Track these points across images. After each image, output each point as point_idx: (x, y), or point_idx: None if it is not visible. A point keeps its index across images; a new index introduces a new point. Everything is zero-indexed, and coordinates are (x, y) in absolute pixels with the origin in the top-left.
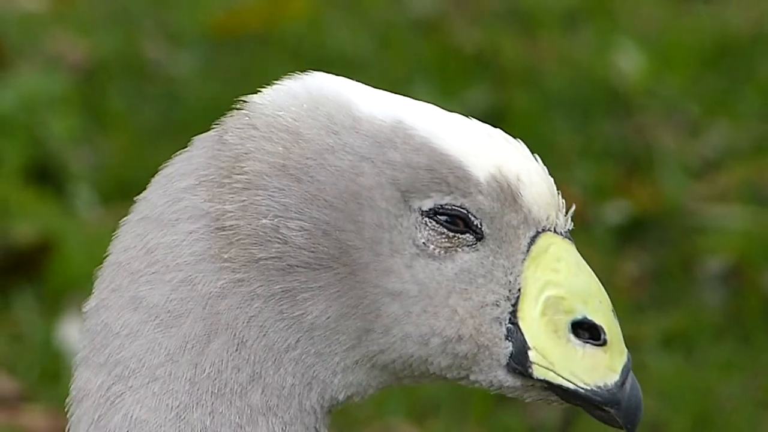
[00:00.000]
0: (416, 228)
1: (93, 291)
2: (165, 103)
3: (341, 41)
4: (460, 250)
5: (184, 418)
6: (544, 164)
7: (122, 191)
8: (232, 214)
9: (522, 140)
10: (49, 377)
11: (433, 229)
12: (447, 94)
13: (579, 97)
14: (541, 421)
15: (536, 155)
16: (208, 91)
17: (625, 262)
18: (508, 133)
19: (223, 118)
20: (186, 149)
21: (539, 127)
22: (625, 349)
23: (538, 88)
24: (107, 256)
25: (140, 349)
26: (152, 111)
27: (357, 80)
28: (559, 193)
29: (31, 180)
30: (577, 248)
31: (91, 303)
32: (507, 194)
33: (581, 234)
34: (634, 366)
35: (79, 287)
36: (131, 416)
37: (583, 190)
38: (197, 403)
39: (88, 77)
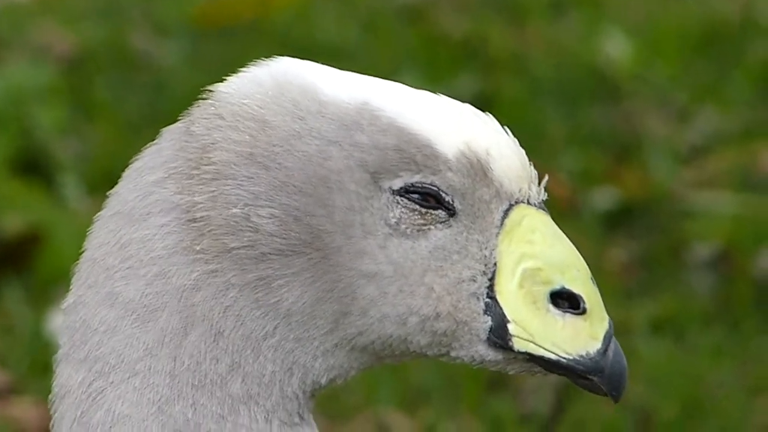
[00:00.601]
0: (388, 208)
1: (71, 288)
2: (152, 93)
3: (329, 30)
4: (433, 227)
5: (167, 411)
6: (532, 151)
7: (110, 181)
8: (202, 205)
9: (510, 127)
10: (39, 369)
11: (405, 207)
12: (434, 82)
13: (567, 84)
14: (532, 409)
15: (510, 132)
16: (194, 81)
17: (614, 249)
18: (496, 121)
19: (190, 109)
20: (155, 142)
21: (527, 115)
22: (606, 317)
23: (526, 75)
24: (83, 252)
25: (119, 344)
26: (139, 101)
27: (345, 69)
28: (531, 165)
29: (19, 171)
30: (567, 235)
31: (69, 300)
32: (477, 169)
33: (570, 220)
34: (624, 351)
35: (68, 278)
36: (113, 412)
37: (571, 177)
38: (178, 396)
39: (75, 68)
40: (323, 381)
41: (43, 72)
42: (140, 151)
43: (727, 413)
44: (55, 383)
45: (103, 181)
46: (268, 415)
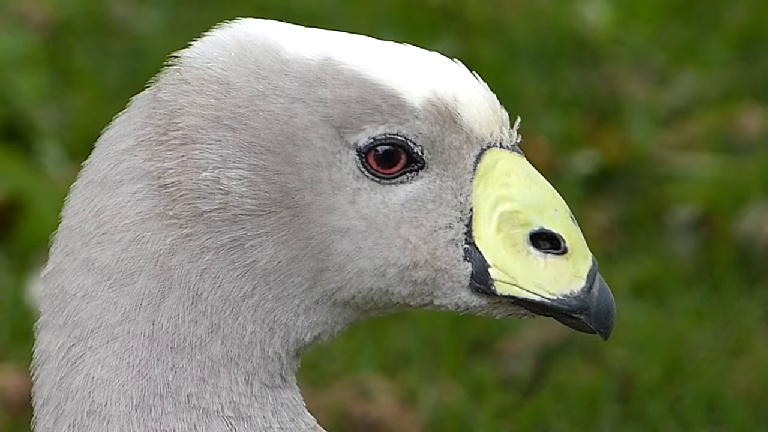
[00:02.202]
0: (355, 163)
1: (49, 256)
2: (131, 60)
3: None
4: (403, 180)
5: (146, 375)
6: (512, 115)
7: (90, 148)
8: (172, 170)
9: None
10: (20, 336)
11: (368, 171)
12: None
13: (545, 48)
14: (513, 373)
15: (477, 75)
16: (174, 47)
17: (595, 212)
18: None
19: (156, 75)
20: (125, 110)
21: (506, 78)
22: (590, 254)
23: (504, 39)
24: (60, 221)
25: (96, 309)
26: (119, 68)
27: None
28: (502, 108)
29: None
30: None
31: (47, 268)
32: (445, 116)
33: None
34: None
35: (49, 245)
36: (92, 377)
37: (551, 141)
38: (158, 360)
39: (54, 36)
40: (307, 339)
41: (22, 40)
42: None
43: (708, 375)
44: (35, 350)
45: (83, 148)
46: (248, 376)
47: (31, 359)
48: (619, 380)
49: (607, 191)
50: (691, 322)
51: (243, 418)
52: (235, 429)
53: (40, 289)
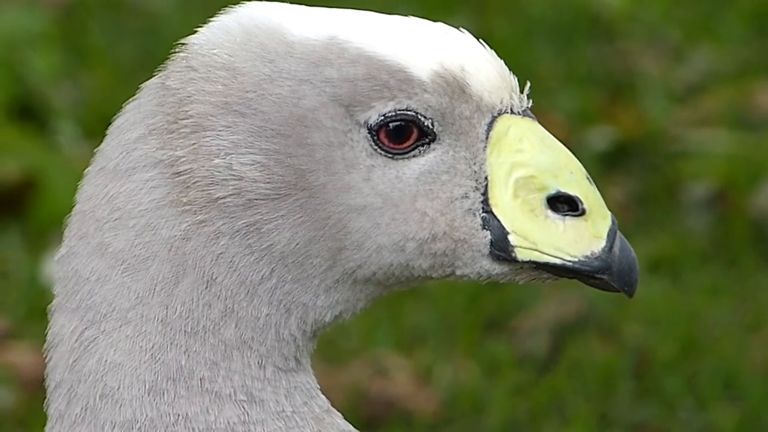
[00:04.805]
0: (367, 141)
1: (63, 239)
2: (146, 38)
3: None
4: (416, 154)
5: (159, 359)
6: (527, 91)
7: (105, 127)
8: (184, 158)
9: None
10: (36, 314)
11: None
12: None
13: (561, 24)
14: (529, 351)
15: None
16: (188, 25)
17: (611, 188)
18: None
19: (165, 63)
20: (135, 97)
21: (521, 55)
22: (608, 213)
23: (520, 15)
24: (74, 203)
25: (110, 293)
26: (133, 46)
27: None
28: (510, 74)
29: (14, 118)
30: None
31: (61, 251)
32: (454, 87)
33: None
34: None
35: (64, 224)
36: (105, 360)
37: (566, 117)
38: (171, 343)
39: (68, 14)
40: (327, 318)
41: (37, 18)
42: (134, 95)
43: (724, 351)
44: (48, 332)
45: (97, 126)
46: (261, 360)
47: (46, 338)
48: (635, 357)
49: (622, 167)
50: (707, 298)
51: (256, 402)
52: (248, 413)
53: (54, 271)
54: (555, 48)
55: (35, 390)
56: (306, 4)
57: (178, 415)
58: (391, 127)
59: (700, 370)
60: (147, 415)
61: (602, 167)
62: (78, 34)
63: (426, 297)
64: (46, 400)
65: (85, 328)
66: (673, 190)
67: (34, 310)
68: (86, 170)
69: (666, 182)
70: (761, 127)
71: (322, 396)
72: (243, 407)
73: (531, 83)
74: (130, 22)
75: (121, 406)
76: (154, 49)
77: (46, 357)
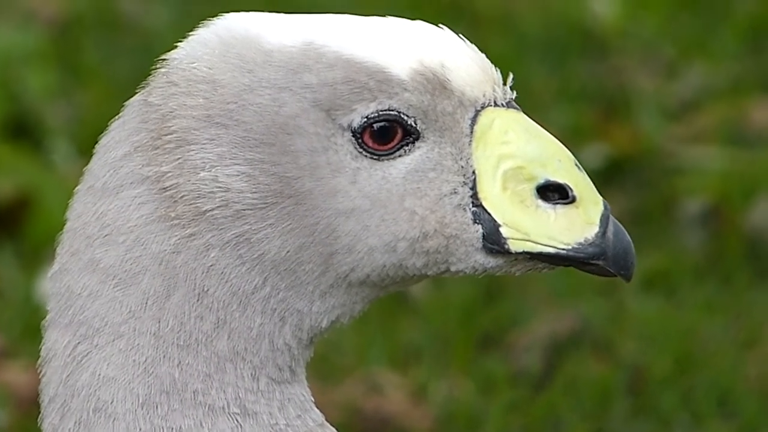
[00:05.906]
0: (351, 144)
1: (55, 256)
2: (140, 56)
3: None
4: (401, 154)
5: (152, 372)
6: (510, 83)
7: None
8: (170, 174)
9: None
10: (31, 333)
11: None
12: None
13: (554, 41)
14: (524, 367)
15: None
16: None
17: None
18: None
19: (147, 80)
20: (119, 115)
21: (514, 71)
22: (600, 199)
23: (513, 31)
24: (65, 223)
25: (102, 308)
26: (128, 64)
27: None
28: (492, 67)
29: (8, 136)
30: None
31: (54, 268)
32: (434, 84)
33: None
34: (614, 309)
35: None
36: (98, 374)
37: (560, 133)
38: (164, 357)
39: (63, 31)
40: (324, 324)
41: (31, 36)
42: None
43: (719, 367)
44: (42, 347)
45: (92, 144)
46: (255, 371)
47: (40, 354)
48: (630, 373)
49: (616, 184)
50: (702, 315)
51: (249, 415)
52: (241, 426)
53: (47, 288)
54: (548, 64)
55: (30, 408)
56: (304, 12)
57: (172, 429)
58: (375, 128)
59: (696, 386)
60: (140, 429)
61: (596, 184)
62: (72, 52)
63: (420, 314)
64: (40, 416)
65: (78, 343)
66: (667, 206)
67: (28, 329)
68: (75, 189)
69: (660, 199)
70: (756, 143)
71: (317, 410)
72: (236, 420)
73: (525, 100)
74: (125, 40)
75: (114, 420)
76: (148, 67)
77: (40, 374)
